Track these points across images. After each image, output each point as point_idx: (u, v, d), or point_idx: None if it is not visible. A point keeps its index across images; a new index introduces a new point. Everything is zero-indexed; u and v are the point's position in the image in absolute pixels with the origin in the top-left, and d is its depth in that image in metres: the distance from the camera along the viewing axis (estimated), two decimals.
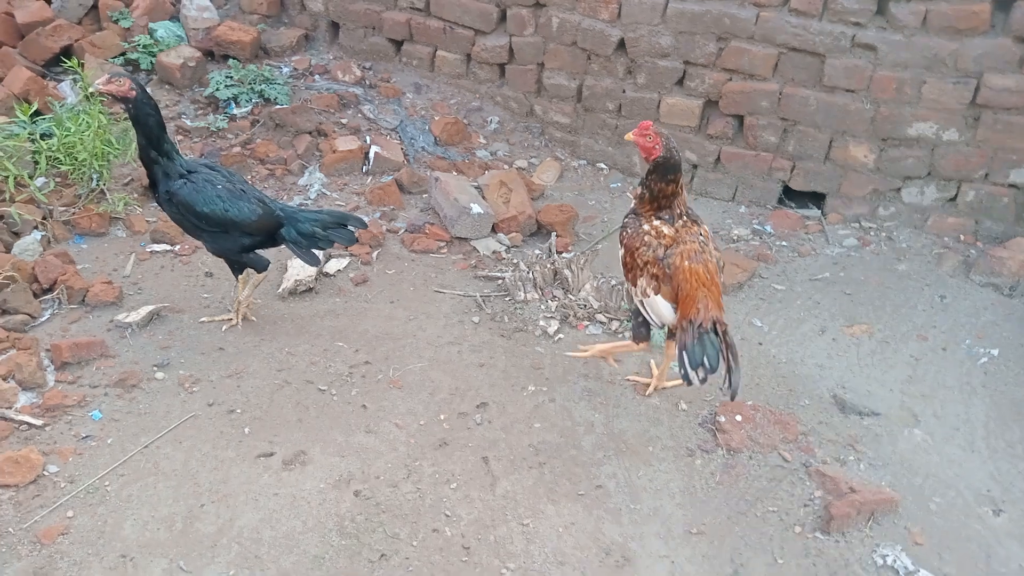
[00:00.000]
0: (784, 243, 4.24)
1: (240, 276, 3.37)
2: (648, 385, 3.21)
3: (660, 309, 2.81)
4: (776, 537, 2.66)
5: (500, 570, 2.51)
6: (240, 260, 3.28)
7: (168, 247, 3.87)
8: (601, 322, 3.59)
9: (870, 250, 4.20)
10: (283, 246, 3.32)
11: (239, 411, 3.01)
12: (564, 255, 3.98)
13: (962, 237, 4.24)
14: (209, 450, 2.85)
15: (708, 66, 4.38)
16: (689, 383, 2.62)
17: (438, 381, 3.21)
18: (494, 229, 4.15)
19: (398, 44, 5.23)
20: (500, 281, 3.77)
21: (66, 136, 3.92)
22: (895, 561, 2.57)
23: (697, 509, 2.74)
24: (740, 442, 2.96)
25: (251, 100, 4.78)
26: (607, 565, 2.54)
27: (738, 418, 3.02)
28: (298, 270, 3.66)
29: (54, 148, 3.93)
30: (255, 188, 3.32)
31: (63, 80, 4.71)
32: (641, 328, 3.00)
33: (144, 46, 4.95)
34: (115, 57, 4.90)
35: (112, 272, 3.67)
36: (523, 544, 2.59)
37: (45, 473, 2.70)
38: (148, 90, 4.66)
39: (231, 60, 5.00)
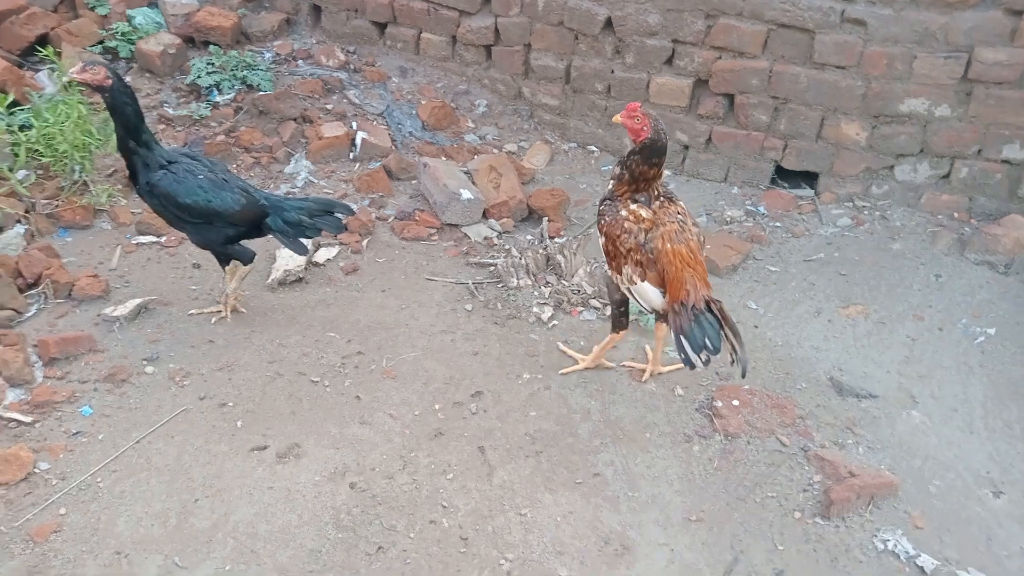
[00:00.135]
0: (778, 224, 4.21)
1: (227, 267, 3.32)
2: (644, 371, 3.18)
3: (648, 295, 2.78)
4: (776, 523, 2.65)
5: (499, 561, 2.49)
6: (225, 252, 3.22)
7: (154, 239, 3.80)
8: (595, 307, 3.56)
9: (864, 229, 4.18)
10: (270, 236, 3.26)
11: (231, 404, 2.97)
12: (556, 240, 3.94)
13: (956, 215, 4.22)
14: (202, 444, 2.81)
15: (697, 44, 4.32)
16: (692, 367, 2.59)
17: (432, 370, 3.18)
18: (485, 215, 4.10)
19: (382, 27, 5.14)
20: (492, 268, 3.73)
21: (45, 127, 3.83)
22: (896, 545, 2.57)
23: (695, 496, 2.73)
24: (738, 427, 2.94)
25: (234, 87, 4.69)
26: (606, 554, 2.53)
27: (735, 403, 3.01)
28: (287, 260, 3.60)
29: (33, 140, 3.84)
30: (238, 177, 3.25)
31: (40, 70, 4.60)
32: (621, 318, 3.00)
33: (122, 33, 4.84)
34: (93, 45, 4.78)
35: (98, 265, 3.60)
36: (521, 534, 2.57)
37: (36, 470, 2.66)
38: (128, 79, 4.65)
39: (212, 46, 4.90)
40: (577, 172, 4.63)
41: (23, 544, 2.43)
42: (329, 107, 4.73)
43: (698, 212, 4.30)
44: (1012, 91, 3.95)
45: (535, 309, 3.51)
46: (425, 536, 2.55)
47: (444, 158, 4.48)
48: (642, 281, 2.76)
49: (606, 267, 2.92)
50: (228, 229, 3.15)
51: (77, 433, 2.80)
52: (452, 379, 3.14)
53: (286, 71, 4.94)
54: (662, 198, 2.81)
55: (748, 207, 4.34)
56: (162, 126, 4.46)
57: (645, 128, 2.71)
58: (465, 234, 4.01)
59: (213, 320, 3.34)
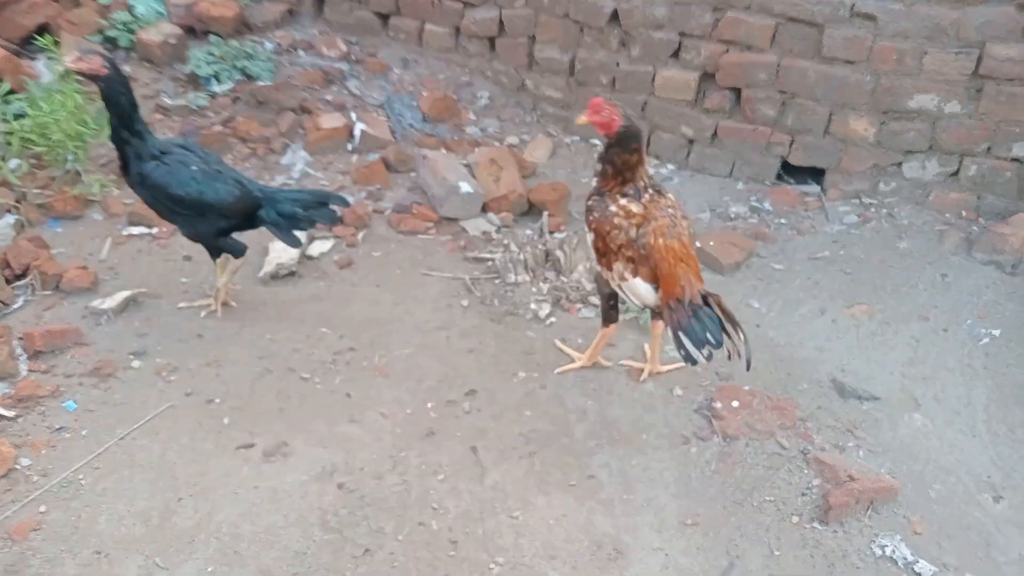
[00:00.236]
0: (783, 220, 4.13)
1: (218, 260, 3.26)
2: (642, 370, 3.11)
3: (640, 291, 2.73)
4: (773, 528, 2.58)
5: (489, 564, 2.43)
6: (217, 244, 3.16)
7: (146, 230, 3.75)
8: (595, 305, 3.48)
9: (871, 227, 4.09)
10: (263, 228, 3.20)
11: (218, 401, 2.91)
12: (556, 235, 3.87)
13: (964, 213, 4.13)
14: (187, 442, 2.75)
15: (704, 37, 4.25)
16: (694, 363, 2.53)
17: (425, 368, 3.12)
18: (484, 209, 4.03)
19: (384, 18, 5.07)
20: (490, 263, 3.66)
21: (40, 116, 3.78)
22: (894, 551, 2.49)
23: (692, 499, 2.65)
24: (737, 429, 2.87)
25: (232, 77, 4.63)
26: (599, 558, 2.46)
27: (735, 404, 2.93)
28: (280, 253, 3.54)
29: (28, 129, 3.79)
30: (232, 168, 3.19)
31: (38, 59, 4.55)
32: (611, 311, 2.95)
33: (123, 23, 4.78)
34: (93, 35, 4.73)
35: (88, 256, 3.55)
36: (512, 537, 2.51)
37: (17, 467, 2.60)
38: (126, 68, 4.60)
39: (213, 36, 4.84)
40: (579, 166, 4.55)
41: (1, 542, 2.37)
42: (329, 98, 4.66)
43: (702, 208, 4.23)
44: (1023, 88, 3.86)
45: (533, 306, 3.44)
46: (414, 538, 2.49)
47: (444, 151, 4.42)
48: (634, 277, 2.71)
49: (596, 265, 2.86)
50: (221, 221, 3.09)
51: (60, 428, 2.74)
52: (446, 377, 3.08)
53: (287, 61, 4.87)
54: (651, 190, 2.75)
55: (753, 203, 4.25)
56: (159, 116, 4.40)
57: (615, 118, 2.66)
58: (463, 228, 3.94)
59: (203, 314, 3.29)
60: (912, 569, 2.46)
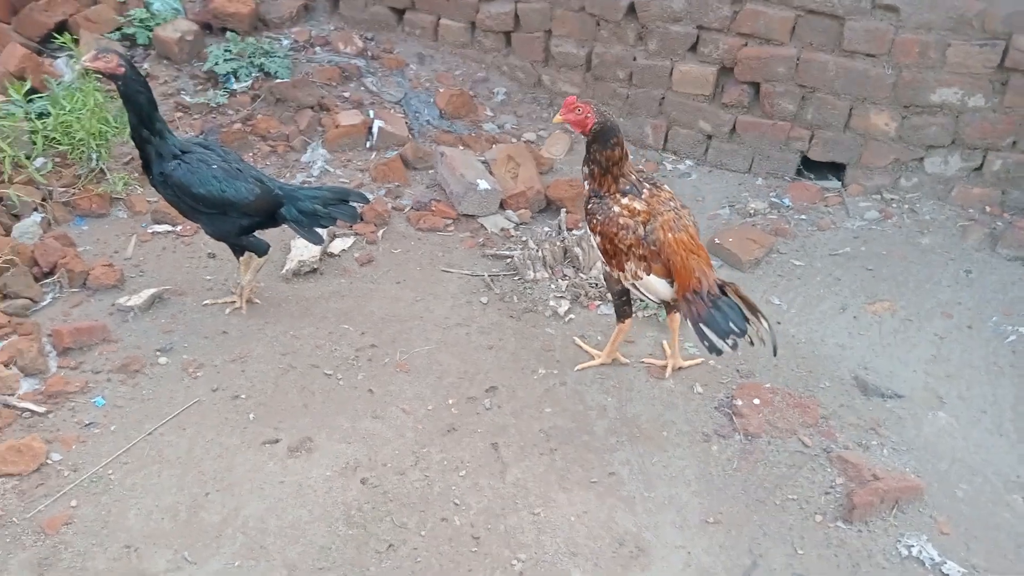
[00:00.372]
0: (803, 216, 4.10)
1: (242, 258, 3.29)
2: (664, 367, 3.11)
3: (656, 287, 2.75)
4: (796, 526, 2.58)
5: (511, 561, 2.45)
6: (239, 243, 3.19)
7: (170, 228, 3.78)
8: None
9: (892, 223, 4.06)
10: (285, 226, 3.22)
11: (244, 396, 2.95)
12: (574, 232, 3.87)
13: (988, 208, 4.09)
14: (213, 437, 2.79)
15: (722, 31, 4.22)
16: (719, 353, 2.56)
17: (446, 364, 3.13)
18: (502, 205, 4.04)
19: (400, 13, 5.07)
20: (509, 260, 3.67)
21: (62, 115, 3.82)
22: (920, 552, 2.49)
23: (714, 497, 2.66)
24: (758, 427, 2.86)
25: (251, 74, 4.65)
26: (621, 556, 2.47)
27: (756, 401, 2.93)
28: (302, 250, 3.57)
29: (51, 127, 3.83)
30: (252, 166, 3.22)
31: (59, 57, 4.59)
32: (624, 307, 2.96)
33: (140, 20, 4.81)
34: (111, 32, 4.76)
35: (113, 254, 3.59)
36: (534, 534, 2.52)
37: (48, 461, 2.65)
38: (145, 66, 4.63)
39: (229, 33, 4.86)
40: None
41: (34, 536, 2.42)
42: (346, 95, 4.68)
43: (720, 203, 4.21)
44: None
45: (552, 303, 3.45)
46: (436, 534, 2.51)
47: (462, 147, 4.42)
48: (648, 275, 2.72)
49: (603, 265, 2.85)
50: (242, 219, 3.12)
51: (90, 424, 2.79)
52: (466, 373, 3.10)
53: (303, 58, 4.89)
54: (647, 184, 2.76)
55: (772, 199, 4.23)
56: (179, 114, 4.43)
57: (590, 115, 2.68)
58: (482, 225, 3.95)
59: (227, 311, 3.32)
60: (940, 570, 2.46)
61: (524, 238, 3.80)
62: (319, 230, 3.22)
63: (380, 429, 2.85)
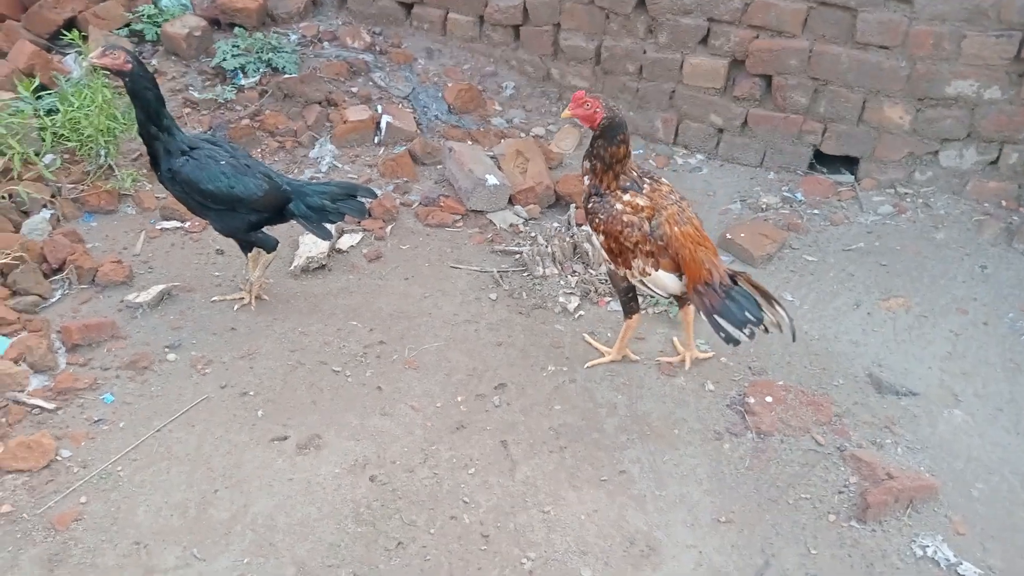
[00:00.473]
0: (816, 211, 4.06)
1: (250, 254, 3.28)
2: (681, 362, 3.09)
3: (665, 282, 2.73)
4: (809, 526, 2.55)
5: (520, 559, 2.43)
6: (248, 239, 3.18)
7: (178, 224, 3.78)
8: None
9: (906, 217, 4.01)
10: (293, 222, 3.21)
11: (252, 393, 2.94)
12: (584, 228, 3.84)
13: (1004, 203, 4.03)
14: (222, 434, 2.78)
15: (733, 23, 4.17)
16: (736, 343, 2.55)
17: (455, 361, 3.12)
18: (511, 201, 4.01)
19: (408, 7, 5.04)
20: (518, 256, 3.65)
21: (71, 112, 3.81)
22: (936, 552, 2.45)
23: (725, 496, 2.63)
24: (771, 425, 2.83)
25: (259, 70, 4.64)
26: (631, 555, 2.45)
27: (768, 399, 2.90)
28: (310, 246, 3.56)
29: (59, 124, 3.83)
30: (260, 162, 3.20)
31: (68, 54, 4.59)
32: (631, 303, 2.94)
33: (148, 16, 4.81)
34: (120, 28, 4.76)
35: (122, 251, 3.59)
36: (544, 532, 2.51)
37: (58, 458, 2.65)
38: (153, 62, 4.63)
39: (237, 28, 4.84)
40: None
41: (44, 532, 2.43)
42: (354, 90, 4.65)
43: (732, 198, 4.17)
44: None
45: (561, 299, 3.42)
46: (445, 532, 2.50)
47: (470, 142, 4.39)
48: (656, 270, 2.69)
49: (608, 264, 2.82)
50: (251, 215, 3.11)
51: (99, 421, 2.79)
52: (475, 370, 3.08)
53: (311, 53, 4.87)
54: (647, 179, 2.74)
55: (785, 193, 4.18)
56: (187, 110, 4.42)
57: (598, 110, 2.66)
58: (490, 221, 3.92)
59: (236, 307, 3.31)
60: (955, 571, 2.42)
61: (533, 234, 3.78)
62: (327, 226, 3.20)
63: (389, 426, 2.84)
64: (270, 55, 4.66)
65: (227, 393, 2.93)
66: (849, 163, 4.30)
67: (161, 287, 3.31)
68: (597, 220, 2.75)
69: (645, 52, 4.41)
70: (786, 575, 2.42)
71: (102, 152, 3.89)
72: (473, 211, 3.95)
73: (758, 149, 4.38)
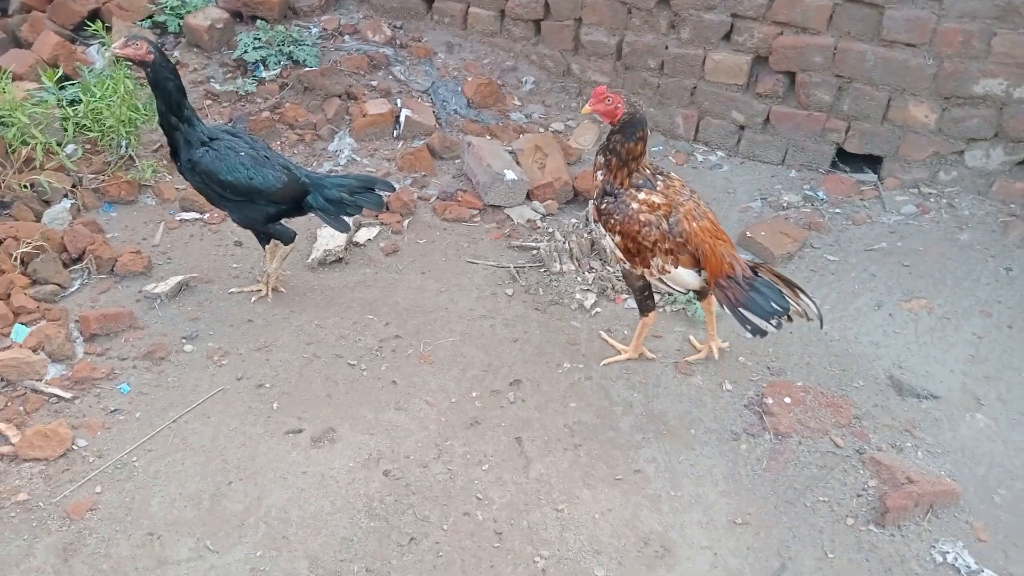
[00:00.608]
0: (837, 210, 4.00)
1: (268, 246, 3.29)
2: (709, 355, 3.07)
3: (685, 279, 2.72)
4: (826, 529, 2.51)
5: (533, 557, 2.41)
6: (266, 231, 3.18)
7: (197, 215, 3.79)
8: None
9: (930, 218, 3.94)
10: (311, 215, 3.21)
11: (268, 386, 2.94)
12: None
13: None
14: (237, 426, 2.79)
15: (757, 19, 4.12)
16: (763, 335, 2.55)
17: (470, 356, 3.10)
18: (529, 196, 3.99)
19: (429, 1, 5.03)
20: (535, 251, 3.63)
21: (93, 102, 3.84)
22: (956, 559, 2.41)
23: (742, 497, 2.60)
24: (789, 426, 2.79)
25: (280, 62, 4.65)
26: (645, 555, 2.43)
27: (787, 400, 2.86)
28: (327, 239, 3.56)
29: (82, 115, 3.86)
30: (279, 154, 3.20)
31: (91, 44, 4.62)
32: (647, 300, 2.92)
33: (171, 8, 4.83)
34: (143, 20, 4.79)
35: (141, 241, 3.61)
36: (557, 531, 2.49)
37: (74, 447, 2.67)
38: (175, 53, 4.65)
39: (259, 21, 4.86)
40: None
41: (60, 521, 2.44)
42: (374, 83, 4.65)
43: (753, 196, 4.12)
44: None
45: (578, 295, 3.40)
46: (458, 528, 2.49)
47: (489, 137, 4.38)
48: (676, 268, 2.66)
49: (623, 263, 2.79)
50: (269, 207, 3.11)
51: (115, 410, 2.80)
52: (490, 366, 3.06)
53: (332, 47, 4.87)
54: (660, 176, 2.72)
55: (806, 192, 4.13)
56: (208, 102, 4.44)
57: (620, 106, 2.62)
58: (508, 216, 3.91)
59: (253, 299, 3.32)
60: None
61: (551, 229, 3.75)
62: (345, 218, 3.20)
63: (403, 421, 2.83)
64: (291, 48, 4.67)
65: (243, 385, 2.94)
66: (872, 162, 4.24)
67: (179, 278, 3.32)
68: (612, 221, 2.72)
69: (667, 48, 4.37)
70: None
71: (123, 143, 3.91)
72: (491, 206, 3.94)
73: (780, 147, 4.33)
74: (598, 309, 3.36)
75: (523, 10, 4.69)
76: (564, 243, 3.57)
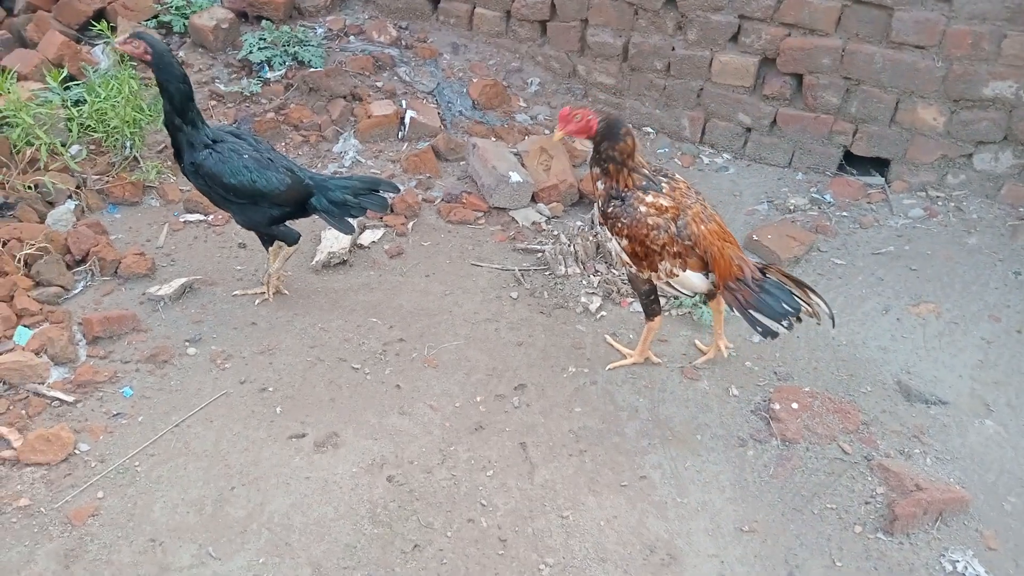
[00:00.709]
0: (845, 213, 3.97)
1: (271, 248, 3.27)
2: (717, 354, 3.05)
3: (693, 282, 2.70)
4: (834, 537, 2.49)
5: (538, 565, 2.39)
6: (270, 232, 3.17)
7: (201, 217, 3.78)
8: None
9: (938, 221, 3.91)
10: (315, 217, 3.19)
11: (271, 389, 2.93)
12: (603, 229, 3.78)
13: None
14: (240, 430, 2.77)
15: (765, 20, 4.09)
16: (775, 336, 2.55)
17: (474, 360, 3.08)
18: (534, 198, 3.97)
19: (435, 1, 5.01)
20: (540, 254, 3.60)
21: (97, 103, 3.83)
22: (966, 568, 2.38)
23: (749, 504, 2.58)
24: (796, 432, 2.77)
25: (285, 63, 4.63)
26: (651, 563, 2.41)
27: (794, 406, 2.83)
28: (331, 242, 3.54)
29: (86, 115, 3.84)
30: (283, 156, 3.19)
31: (96, 45, 4.61)
32: (653, 305, 2.90)
33: (176, 8, 4.82)
34: (148, 20, 4.78)
35: (145, 243, 3.60)
36: (562, 538, 2.47)
37: (76, 452, 2.66)
38: (180, 54, 4.63)
39: (264, 21, 4.84)
40: None
41: (61, 527, 2.43)
42: (379, 84, 4.63)
43: (759, 199, 4.09)
44: None
45: (583, 299, 3.38)
46: (463, 535, 2.47)
47: (494, 138, 4.35)
48: (684, 271, 2.64)
49: (629, 267, 2.77)
50: (273, 209, 3.10)
51: (117, 414, 2.79)
52: (495, 370, 3.04)
53: (337, 47, 4.85)
54: (663, 177, 2.70)
55: (813, 195, 4.10)
56: (213, 102, 4.43)
57: (590, 117, 2.60)
58: (513, 218, 3.88)
59: (256, 302, 3.30)
60: None
61: (556, 232, 3.73)
62: (350, 220, 3.19)
63: (407, 426, 2.81)
64: (296, 48, 4.65)
65: (246, 389, 2.92)
66: (880, 165, 4.21)
67: (183, 280, 3.31)
68: (620, 225, 2.69)
69: (674, 49, 4.34)
70: None
71: (127, 144, 3.90)
72: (496, 208, 3.92)
73: (786, 149, 4.30)
74: (603, 313, 3.34)
75: (529, 11, 4.67)
76: (569, 246, 3.55)
